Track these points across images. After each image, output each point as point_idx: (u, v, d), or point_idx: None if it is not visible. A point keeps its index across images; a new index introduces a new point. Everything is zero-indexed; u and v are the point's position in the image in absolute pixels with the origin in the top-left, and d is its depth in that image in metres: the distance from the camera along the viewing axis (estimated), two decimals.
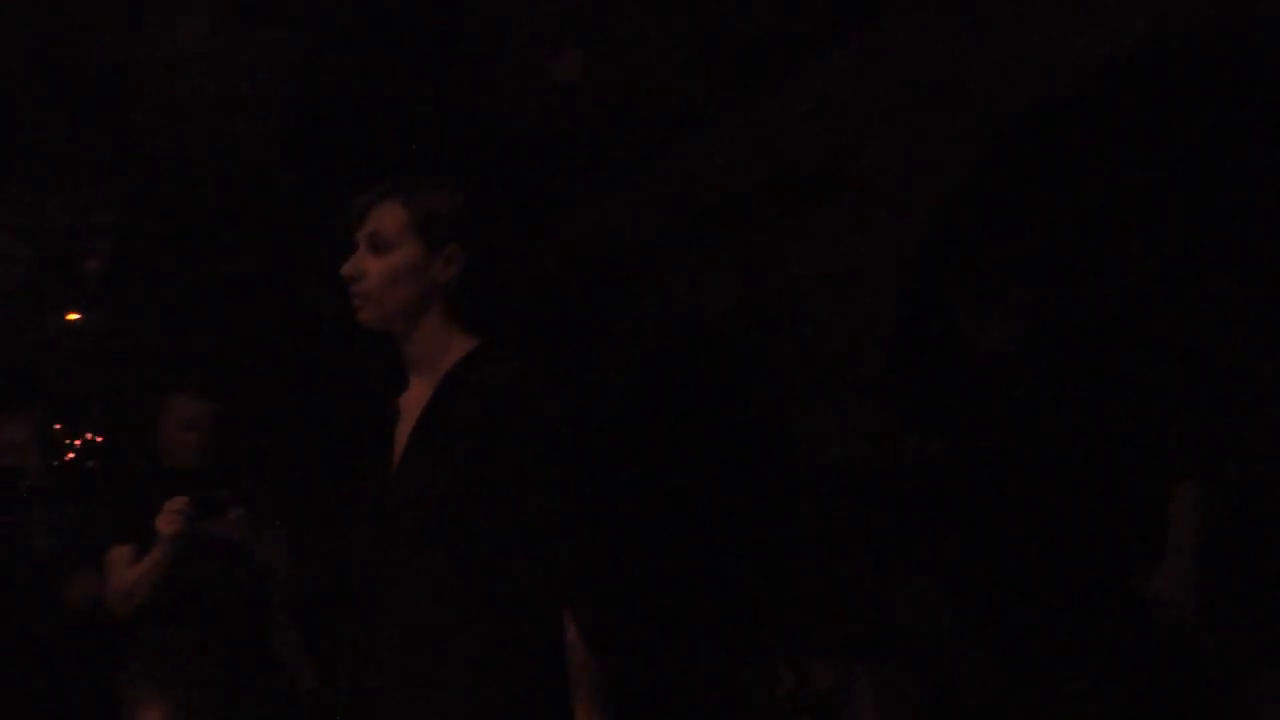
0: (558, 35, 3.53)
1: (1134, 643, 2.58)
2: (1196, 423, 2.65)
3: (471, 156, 3.57)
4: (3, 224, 4.34)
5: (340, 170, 3.71)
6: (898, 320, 3.16)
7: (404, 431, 1.56)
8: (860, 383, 3.29)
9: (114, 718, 2.71)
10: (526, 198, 3.86)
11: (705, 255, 3.83)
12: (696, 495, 3.71)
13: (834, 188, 3.37)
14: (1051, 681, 2.74)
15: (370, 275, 1.55)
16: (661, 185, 3.88)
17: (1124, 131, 2.93)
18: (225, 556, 2.80)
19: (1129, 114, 2.88)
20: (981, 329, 2.70)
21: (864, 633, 3.43)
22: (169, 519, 2.64)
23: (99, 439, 4.24)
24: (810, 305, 3.44)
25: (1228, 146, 2.96)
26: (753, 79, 3.47)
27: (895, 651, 3.39)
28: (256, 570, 2.91)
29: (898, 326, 3.17)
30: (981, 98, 3.06)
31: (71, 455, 4.19)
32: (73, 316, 4.47)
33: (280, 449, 3.73)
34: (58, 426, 3.69)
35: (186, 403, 2.90)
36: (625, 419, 3.89)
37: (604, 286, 4.04)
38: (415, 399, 1.57)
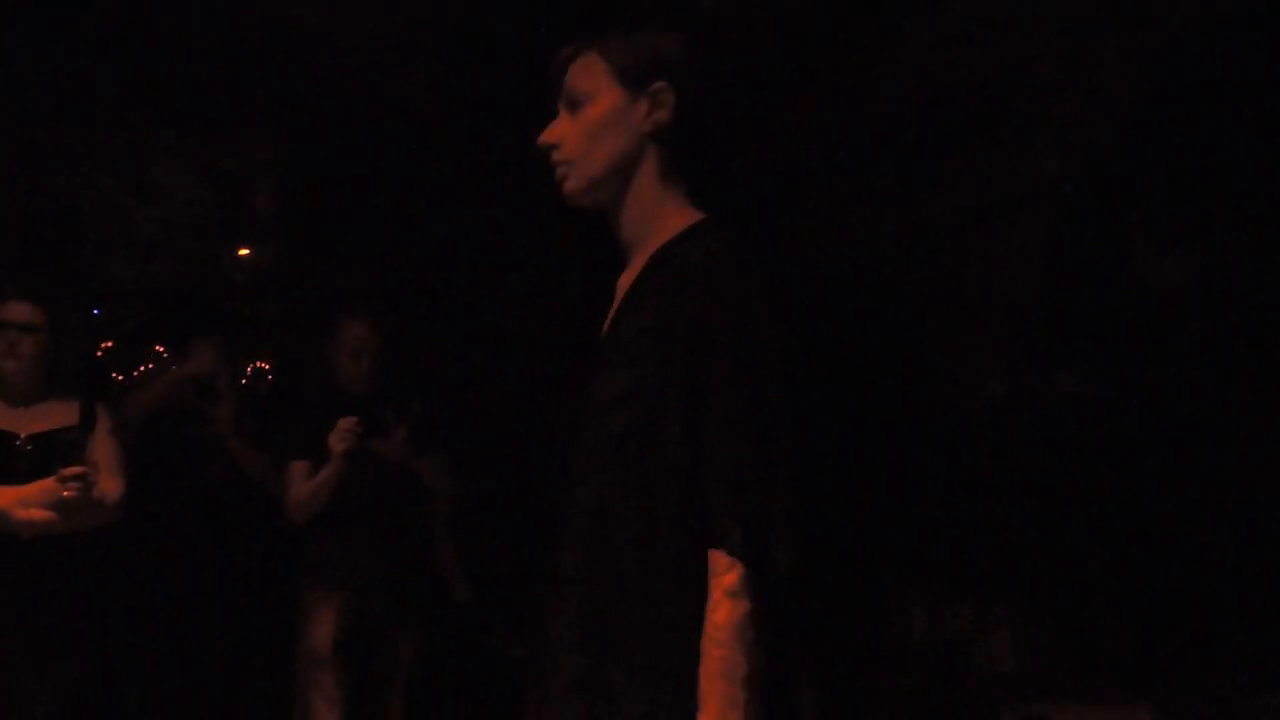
0: None
1: None
2: None
3: None
4: (181, 165, 4.64)
5: (490, 101, 3.82)
6: (1056, 254, 3.05)
7: (607, 322, 1.36)
8: (1015, 320, 3.20)
9: (296, 615, 2.95)
10: None
11: (854, 191, 3.76)
12: (841, 432, 3.70)
13: (990, 117, 3.25)
14: (1194, 630, 2.67)
15: (569, 137, 1.35)
16: (807, 120, 3.81)
17: None
18: (390, 474, 2.99)
19: None
20: (1151, 264, 2.60)
21: (1004, 576, 3.39)
22: (340, 437, 2.83)
23: (267, 365, 4.53)
24: (964, 240, 3.35)
25: None
26: (903, 4, 3.34)
27: (1035, 595, 3.35)
28: (419, 488, 3.10)
29: (1056, 261, 3.05)
30: (1150, 16, 2.86)
31: (245, 380, 4.50)
32: (244, 252, 4.78)
33: (445, 375, 3.90)
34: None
35: (356, 329, 3.07)
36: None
37: (750, 226, 4.02)
38: (627, 283, 1.35)
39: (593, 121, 1.34)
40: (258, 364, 4.67)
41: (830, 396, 3.73)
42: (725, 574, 1.14)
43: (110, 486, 2.57)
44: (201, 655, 3.17)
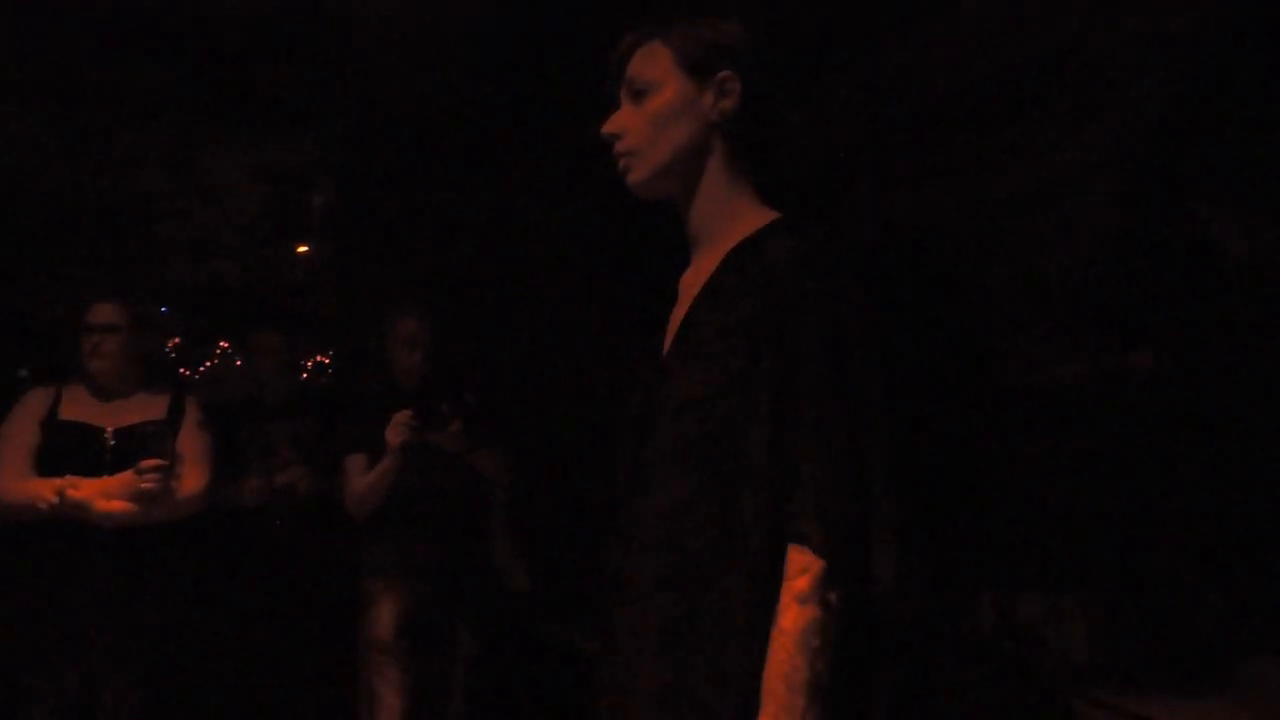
0: None
1: None
2: None
3: None
4: (239, 164, 4.73)
5: (541, 95, 3.81)
6: (1126, 229, 2.93)
7: (677, 318, 1.33)
8: (1080, 298, 3.10)
9: (358, 605, 2.98)
10: None
11: (908, 167, 3.67)
12: (908, 419, 3.62)
13: (1051, 87, 3.13)
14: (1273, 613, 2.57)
15: (633, 127, 1.33)
16: (860, 94, 3.72)
17: None
18: (447, 466, 3.01)
19: None
20: (1229, 236, 2.47)
21: (1076, 563, 3.30)
22: (396, 430, 2.85)
23: (327, 359, 4.60)
24: (1025, 216, 3.25)
25: None
26: None
27: (1108, 583, 3.25)
28: (475, 480, 3.11)
29: (1126, 236, 2.94)
30: None
31: (305, 375, 4.58)
32: (302, 249, 4.85)
33: (500, 368, 3.92)
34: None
35: (410, 323, 3.09)
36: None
37: (804, 204, 3.94)
38: (694, 281, 1.33)
39: (658, 111, 1.31)
40: (318, 358, 4.75)
41: (895, 382, 3.64)
42: (797, 577, 1.11)
43: (193, 479, 2.62)
44: (269, 643, 3.22)
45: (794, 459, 1.14)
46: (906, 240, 3.72)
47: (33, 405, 2.63)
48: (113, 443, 2.59)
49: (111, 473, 2.50)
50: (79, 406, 2.64)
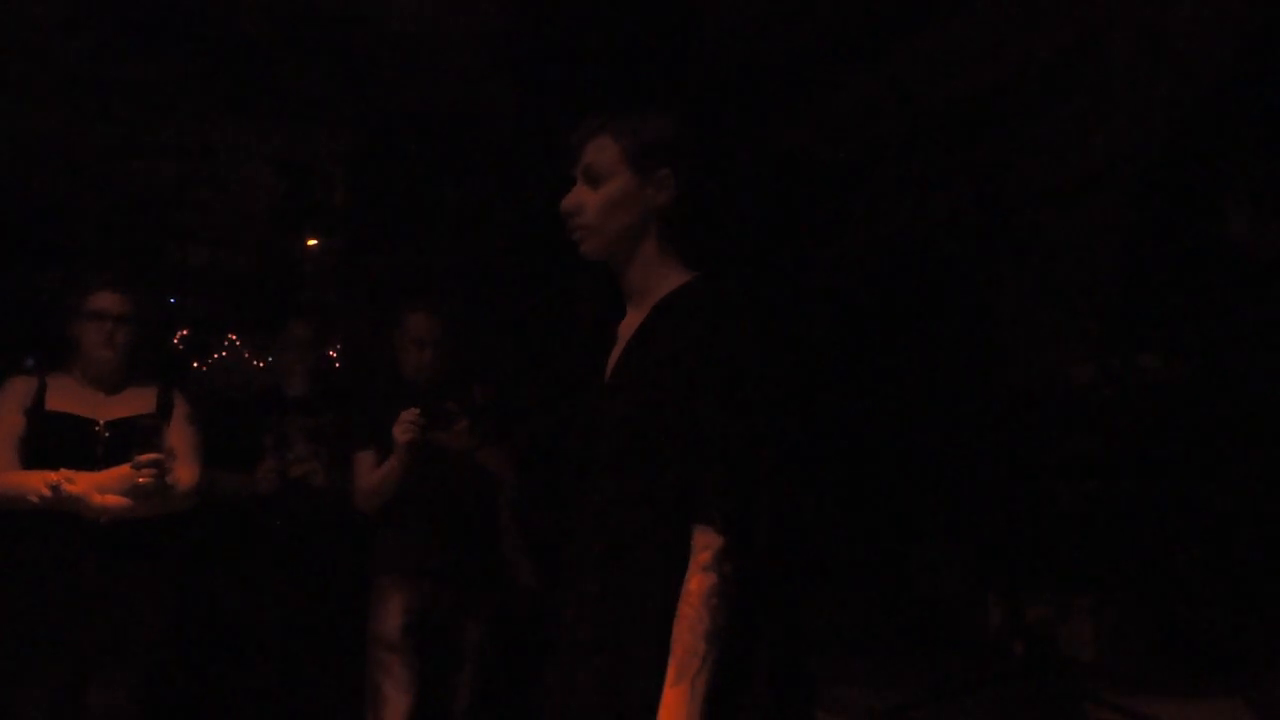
0: None
1: None
2: None
3: (686, 72, 3.53)
4: (254, 156, 4.74)
5: (553, 94, 3.80)
6: (1139, 229, 2.90)
7: (615, 356, 1.66)
8: (1096, 300, 3.08)
9: (369, 601, 2.98)
10: (741, 113, 3.78)
11: (922, 166, 3.65)
12: (909, 422, 3.61)
13: (1064, 87, 3.11)
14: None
15: (588, 208, 1.64)
16: (875, 94, 3.71)
17: None
18: (454, 464, 3.00)
19: None
20: (1250, 234, 2.43)
21: (1085, 565, 3.29)
22: (404, 428, 2.82)
23: (336, 354, 4.61)
24: (1037, 217, 3.22)
25: None
26: None
27: (1119, 584, 3.24)
28: (483, 477, 3.10)
29: (1139, 236, 2.91)
30: None
31: (335, 366, 4.57)
32: (313, 242, 4.85)
33: (508, 365, 3.91)
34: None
35: (420, 320, 3.07)
36: (836, 343, 3.81)
37: (816, 203, 3.93)
38: (628, 327, 1.66)
39: (607, 198, 1.62)
40: (330, 353, 4.77)
41: (909, 382, 3.63)
42: (702, 551, 1.42)
43: (185, 473, 2.59)
44: (274, 641, 3.22)
45: (700, 464, 1.45)
46: (917, 241, 3.71)
47: (16, 394, 2.58)
48: (106, 435, 2.56)
49: (104, 466, 2.46)
50: (67, 397, 2.60)
